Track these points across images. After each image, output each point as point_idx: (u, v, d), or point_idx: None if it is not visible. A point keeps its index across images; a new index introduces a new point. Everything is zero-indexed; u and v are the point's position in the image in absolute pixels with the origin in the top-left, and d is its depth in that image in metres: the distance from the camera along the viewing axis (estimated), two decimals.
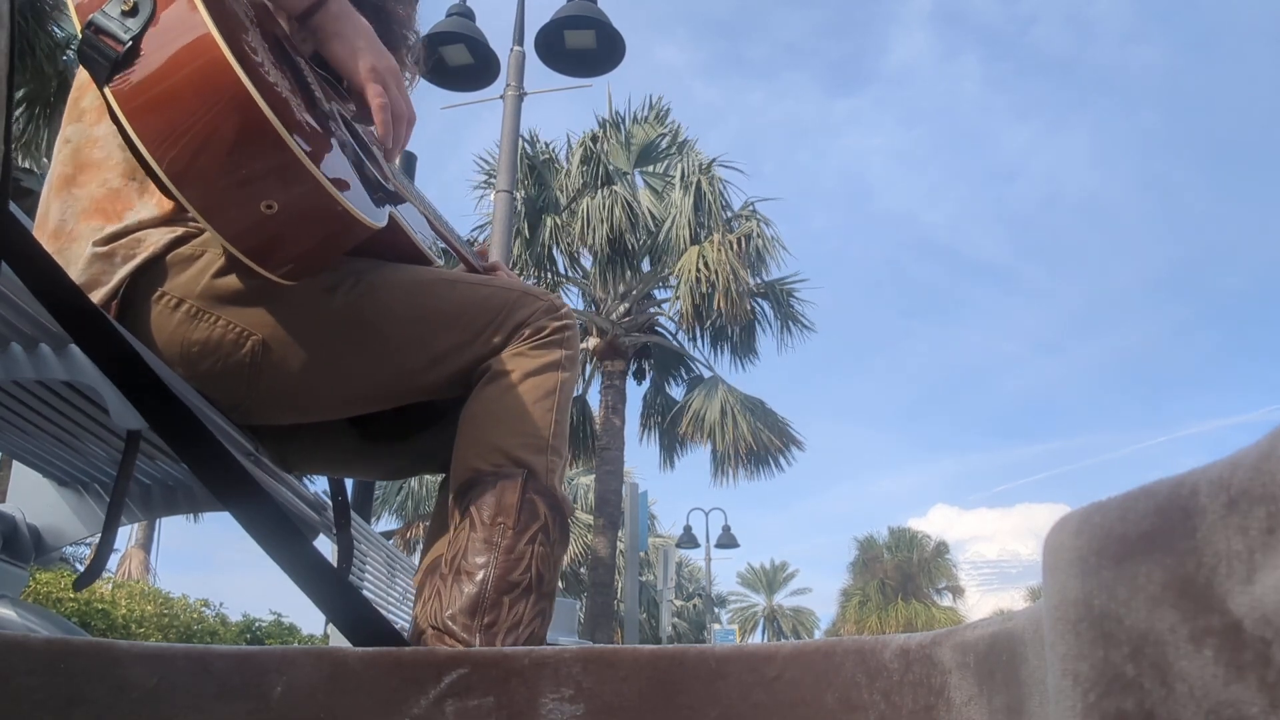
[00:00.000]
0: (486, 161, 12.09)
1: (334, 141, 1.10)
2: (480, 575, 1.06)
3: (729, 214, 11.78)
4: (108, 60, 0.97)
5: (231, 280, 1.11)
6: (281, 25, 1.16)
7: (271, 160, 0.97)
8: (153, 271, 1.11)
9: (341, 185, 1.03)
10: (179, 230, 1.12)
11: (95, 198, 1.14)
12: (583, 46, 6.51)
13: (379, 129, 1.14)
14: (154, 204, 1.13)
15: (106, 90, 0.97)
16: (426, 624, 1.07)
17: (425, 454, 1.38)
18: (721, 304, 10.94)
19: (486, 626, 1.04)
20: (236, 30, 0.99)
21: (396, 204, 1.25)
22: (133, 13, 0.98)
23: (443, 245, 1.45)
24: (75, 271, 1.10)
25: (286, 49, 1.13)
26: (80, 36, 0.98)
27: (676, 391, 13.20)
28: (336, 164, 1.06)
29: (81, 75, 1.26)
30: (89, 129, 1.19)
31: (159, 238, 1.11)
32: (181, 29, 0.97)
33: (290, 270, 1.07)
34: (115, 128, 1.17)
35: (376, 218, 1.08)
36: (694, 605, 32.70)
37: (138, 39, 0.97)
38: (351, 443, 1.36)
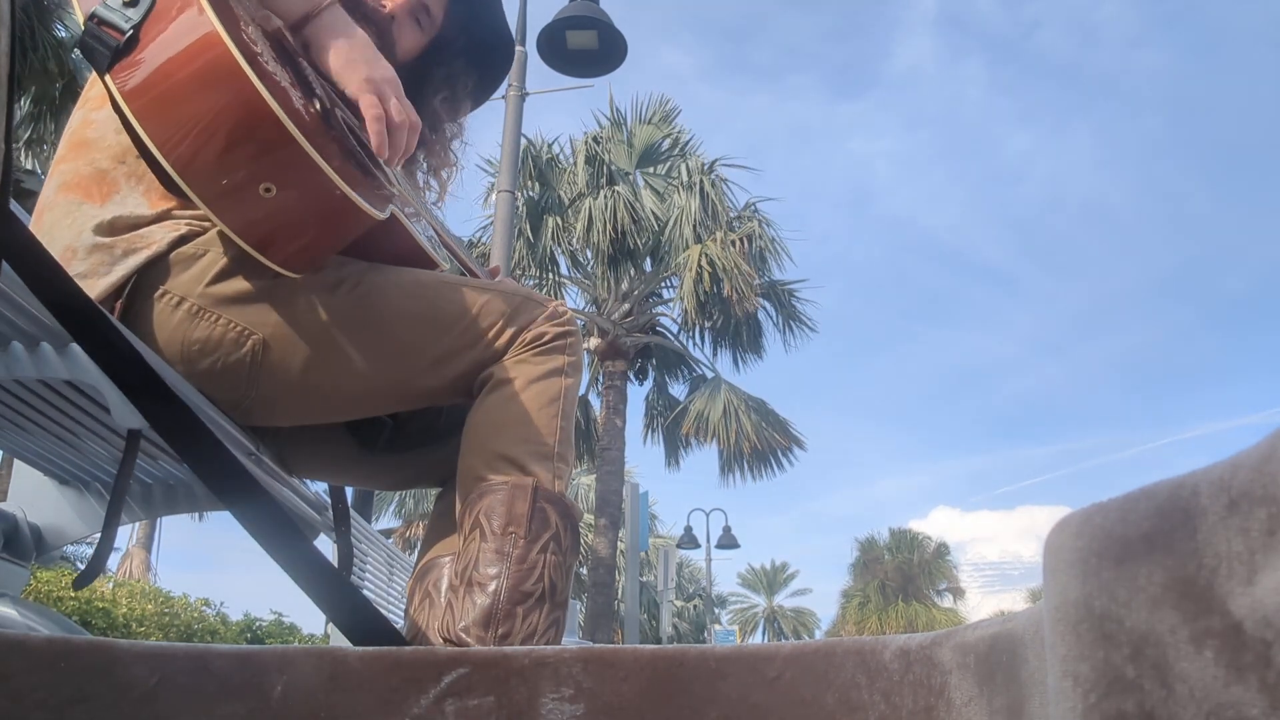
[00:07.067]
0: (490, 163, 12.10)
1: (335, 134, 1.09)
2: (493, 586, 1.05)
3: (732, 214, 11.79)
4: (109, 49, 0.98)
5: (233, 280, 1.11)
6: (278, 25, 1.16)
7: (270, 143, 0.98)
8: (155, 270, 1.11)
9: (341, 171, 1.03)
10: (182, 229, 1.12)
11: (80, 174, 1.14)
12: (585, 46, 6.51)
13: (373, 140, 1.09)
14: (140, 192, 1.13)
15: (108, 79, 0.98)
16: (436, 635, 1.06)
17: (424, 468, 1.38)
18: (730, 294, 10.92)
19: (501, 638, 1.02)
20: (237, 22, 1.00)
21: (401, 208, 1.24)
22: (133, 3, 1.00)
23: (448, 255, 1.45)
24: (57, 249, 1.08)
25: (286, 47, 1.13)
26: (83, 29, 1.00)
27: (678, 391, 13.22)
28: (337, 153, 1.06)
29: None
30: (89, 113, 1.19)
31: (161, 235, 1.11)
32: (183, 21, 0.98)
33: (291, 259, 1.07)
34: (115, 113, 1.18)
35: (378, 209, 1.08)
36: (694, 606, 32.70)
37: (138, 28, 0.99)
38: (351, 451, 1.36)
